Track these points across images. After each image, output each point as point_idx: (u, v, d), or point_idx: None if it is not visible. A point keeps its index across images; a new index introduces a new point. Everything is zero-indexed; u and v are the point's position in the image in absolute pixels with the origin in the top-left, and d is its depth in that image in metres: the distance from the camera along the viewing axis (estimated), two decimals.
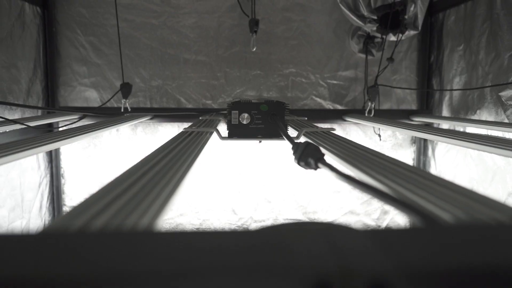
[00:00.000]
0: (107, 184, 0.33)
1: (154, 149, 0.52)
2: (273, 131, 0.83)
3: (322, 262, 0.15)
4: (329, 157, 0.53)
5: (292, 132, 0.85)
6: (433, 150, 1.63)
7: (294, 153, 0.54)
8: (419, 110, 1.68)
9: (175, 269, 0.15)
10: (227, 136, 0.84)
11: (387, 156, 0.47)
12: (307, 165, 0.51)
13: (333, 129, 0.80)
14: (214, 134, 0.83)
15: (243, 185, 1.69)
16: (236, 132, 0.83)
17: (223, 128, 0.88)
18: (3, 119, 0.99)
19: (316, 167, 0.50)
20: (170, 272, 0.14)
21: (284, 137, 0.71)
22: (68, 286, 0.14)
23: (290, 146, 0.57)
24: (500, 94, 1.01)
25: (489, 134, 1.17)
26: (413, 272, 0.15)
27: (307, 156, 0.51)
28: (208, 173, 1.65)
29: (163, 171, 0.38)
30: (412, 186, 0.32)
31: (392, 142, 1.73)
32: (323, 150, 0.58)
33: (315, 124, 0.92)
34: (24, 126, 1.10)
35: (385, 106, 1.70)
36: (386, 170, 0.39)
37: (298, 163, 0.53)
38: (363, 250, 0.16)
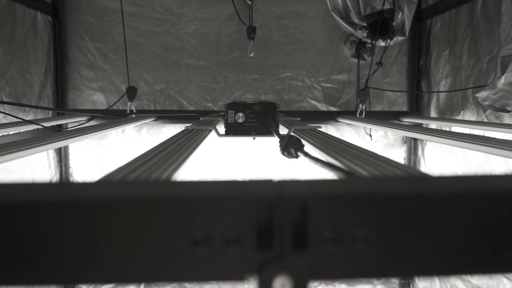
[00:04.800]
0: (133, 158, 0.43)
1: (161, 141, 0.61)
2: (266, 129, 0.92)
3: (267, 192, 0.24)
4: (309, 148, 0.62)
5: (284, 130, 0.93)
6: (423, 150, 1.71)
7: (279, 145, 0.63)
8: (409, 111, 1.77)
9: (181, 198, 0.24)
10: (224, 133, 0.93)
11: (352, 144, 0.57)
12: (289, 155, 0.60)
13: (319, 126, 0.89)
14: (213, 131, 0.92)
15: None
16: (233, 130, 0.92)
17: (221, 128, 0.96)
18: (20, 120, 1.08)
19: (296, 156, 0.58)
20: (179, 199, 0.23)
21: (274, 133, 0.80)
22: (112, 206, 0.23)
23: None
24: (476, 95, 1.09)
25: (472, 133, 1.25)
26: (326, 197, 0.24)
27: (290, 147, 0.59)
28: (207, 173, 1.74)
29: (172, 152, 0.48)
30: (353, 158, 0.41)
31: (384, 142, 1.82)
32: (304, 142, 0.67)
33: (309, 124, 1.00)
34: (36, 127, 1.20)
35: (377, 108, 1.78)
36: (344, 152, 0.48)
37: (282, 153, 0.61)
38: (296, 187, 0.24)
